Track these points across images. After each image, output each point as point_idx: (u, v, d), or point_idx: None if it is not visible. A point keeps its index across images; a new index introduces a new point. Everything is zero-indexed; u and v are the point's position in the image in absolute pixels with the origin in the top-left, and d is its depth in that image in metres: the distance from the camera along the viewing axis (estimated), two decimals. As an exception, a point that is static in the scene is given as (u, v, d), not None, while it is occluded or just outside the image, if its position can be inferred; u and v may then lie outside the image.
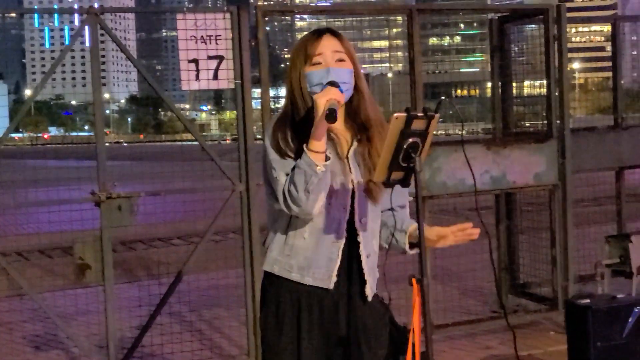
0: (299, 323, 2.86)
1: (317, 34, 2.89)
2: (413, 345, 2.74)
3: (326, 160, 2.71)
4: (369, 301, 2.93)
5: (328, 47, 2.85)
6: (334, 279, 2.85)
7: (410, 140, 2.60)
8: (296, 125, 2.83)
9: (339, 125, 2.87)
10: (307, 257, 2.85)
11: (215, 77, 5.91)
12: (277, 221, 2.90)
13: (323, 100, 2.68)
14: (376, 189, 2.87)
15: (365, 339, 2.91)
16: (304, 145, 2.71)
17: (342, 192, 2.84)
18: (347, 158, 2.88)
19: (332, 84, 2.76)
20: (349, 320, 2.89)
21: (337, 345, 2.89)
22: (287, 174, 2.76)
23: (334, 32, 2.90)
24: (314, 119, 2.72)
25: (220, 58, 5.91)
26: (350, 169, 2.87)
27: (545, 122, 7.13)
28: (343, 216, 2.86)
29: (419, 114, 2.59)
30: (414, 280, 2.71)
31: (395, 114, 2.57)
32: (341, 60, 2.86)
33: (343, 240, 2.86)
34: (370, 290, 2.92)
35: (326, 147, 2.74)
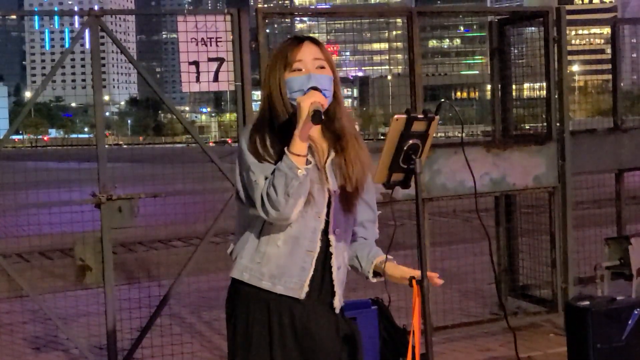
0: (270, 333, 2.82)
1: (298, 40, 2.88)
2: (413, 347, 2.74)
3: (307, 164, 2.70)
4: (336, 313, 2.90)
5: (309, 54, 2.84)
6: (306, 289, 2.82)
7: (411, 141, 2.60)
8: (274, 130, 2.81)
9: (316, 134, 2.86)
10: (280, 266, 2.81)
11: (216, 79, 5.92)
12: (249, 227, 2.85)
13: (307, 103, 2.67)
14: (352, 200, 2.86)
15: (337, 351, 2.88)
16: (285, 148, 2.69)
17: (318, 201, 2.81)
18: (324, 167, 2.85)
19: (315, 89, 2.75)
20: (318, 330, 2.85)
21: (309, 354, 2.85)
22: (267, 178, 2.73)
23: (313, 40, 2.89)
24: (295, 123, 2.72)
25: (220, 60, 5.91)
26: (327, 178, 2.85)
27: (544, 124, 7.14)
28: (318, 225, 2.83)
29: (419, 116, 2.59)
30: (414, 282, 2.71)
31: (396, 116, 2.57)
32: (321, 67, 2.84)
33: (317, 250, 2.83)
34: (338, 302, 2.89)
35: (307, 152, 2.72)
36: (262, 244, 2.82)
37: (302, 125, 2.68)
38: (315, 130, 2.82)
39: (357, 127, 3.00)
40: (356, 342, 2.93)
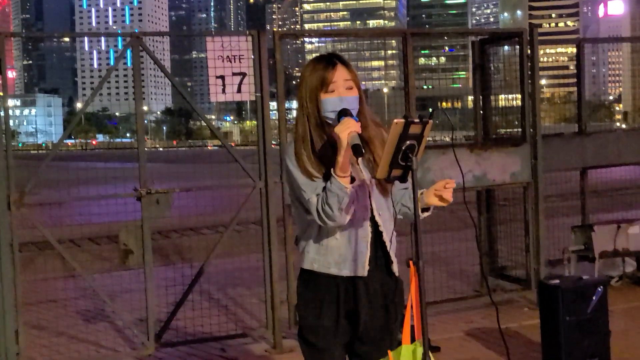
0: (338, 303, 2.88)
1: (331, 63, 2.83)
2: (412, 317, 2.71)
3: (352, 182, 2.71)
4: (396, 276, 2.96)
5: (341, 76, 2.81)
6: (367, 267, 2.86)
7: (408, 142, 2.58)
8: (314, 147, 2.80)
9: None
10: (342, 254, 2.86)
11: (239, 90, 5.89)
12: (310, 227, 2.88)
13: (345, 134, 2.64)
14: (386, 185, 2.87)
15: (392, 303, 2.95)
16: (332, 171, 2.69)
17: (361, 195, 2.84)
18: (358, 164, 2.85)
19: (345, 112, 2.74)
20: (381, 291, 2.92)
21: (373, 312, 2.92)
22: (318, 194, 2.75)
23: (343, 62, 2.85)
24: (333, 141, 2.72)
25: (243, 74, 5.89)
26: (362, 172, 2.86)
27: (519, 129, 7.10)
28: (366, 215, 2.86)
29: (416, 120, 2.57)
30: (411, 263, 2.69)
31: (395, 120, 2.55)
32: (350, 88, 2.82)
33: (369, 235, 2.87)
34: (396, 267, 2.95)
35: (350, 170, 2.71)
36: (323, 239, 2.87)
37: (342, 153, 2.66)
38: None
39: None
40: (401, 297, 2.99)
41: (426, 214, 2.93)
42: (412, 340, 2.74)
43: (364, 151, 2.65)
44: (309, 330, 2.93)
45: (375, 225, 2.89)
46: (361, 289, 2.89)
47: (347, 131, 2.66)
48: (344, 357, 2.99)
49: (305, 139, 2.82)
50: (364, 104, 2.87)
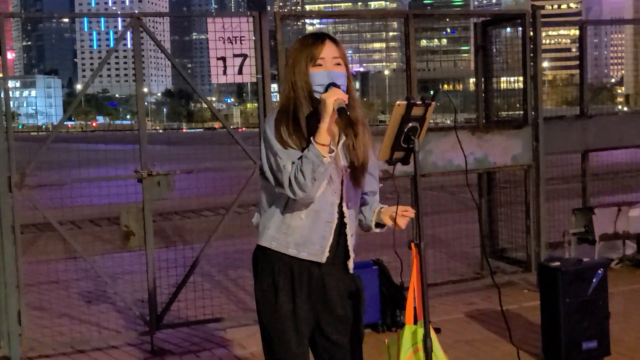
0: (293, 289, 2.83)
1: (320, 38, 2.83)
2: (414, 299, 2.72)
3: (330, 153, 2.68)
4: (350, 273, 2.91)
5: (329, 52, 2.79)
6: (327, 254, 2.82)
7: (410, 124, 2.58)
8: (297, 119, 2.77)
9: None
10: (303, 235, 2.80)
11: (240, 72, 5.88)
12: (275, 203, 2.84)
13: (331, 100, 2.64)
14: (359, 176, 2.84)
15: (345, 303, 2.90)
16: (312, 138, 2.67)
17: (335, 178, 2.79)
18: (337, 148, 2.80)
19: (334, 85, 2.72)
20: (336, 286, 2.88)
21: (323, 308, 2.87)
22: (293, 163, 2.71)
23: (333, 39, 2.85)
24: (317, 114, 2.70)
25: (244, 56, 5.87)
26: (341, 159, 2.83)
27: (520, 112, 7.09)
28: (335, 200, 2.82)
29: (418, 102, 2.57)
30: (412, 245, 2.70)
31: (398, 102, 2.55)
32: (338, 64, 2.81)
33: (335, 221, 2.82)
34: (351, 264, 2.90)
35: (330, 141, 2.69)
36: (287, 217, 2.81)
37: (327, 119, 2.65)
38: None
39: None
40: (360, 296, 2.94)
41: (379, 230, 2.91)
42: (415, 321, 2.75)
43: (347, 114, 2.63)
44: (267, 313, 2.87)
45: (341, 215, 2.85)
46: (315, 278, 2.84)
47: (334, 97, 2.65)
48: (305, 346, 2.90)
49: (288, 110, 2.80)
50: (351, 85, 2.85)
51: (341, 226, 2.84)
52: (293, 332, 2.84)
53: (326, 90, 2.72)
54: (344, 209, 2.84)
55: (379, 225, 2.90)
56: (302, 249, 2.81)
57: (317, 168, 2.64)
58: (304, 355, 2.89)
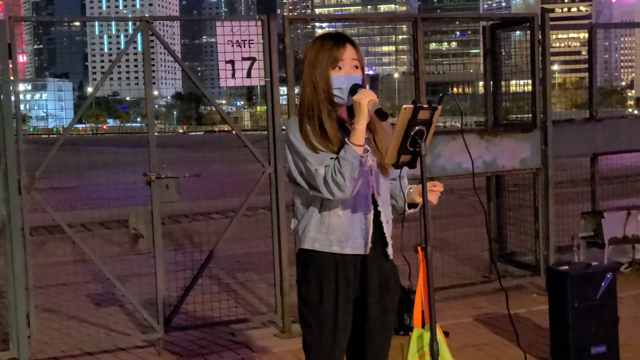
0: (337, 292, 2.86)
1: (340, 42, 2.86)
2: (421, 303, 2.72)
3: (366, 152, 2.73)
4: (390, 259, 2.97)
5: (349, 55, 2.84)
6: (370, 245, 2.86)
7: (417, 128, 2.58)
8: (321, 121, 2.80)
9: (348, 120, 2.87)
10: (344, 232, 2.84)
11: (249, 75, 5.89)
12: (310, 206, 2.87)
13: (365, 101, 2.69)
14: (386, 169, 2.90)
15: (387, 290, 2.96)
16: (346, 139, 2.71)
17: (365, 172, 2.83)
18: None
19: (357, 86, 2.79)
20: (378, 275, 2.93)
21: (370, 293, 2.92)
22: (326, 166, 2.73)
23: (352, 42, 2.89)
24: (339, 116, 2.80)
25: (252, 59, 5.88)
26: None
27: (529, 115, 7.07)
28: (369, 192, 2.87)
29: (425, 106, 2.57)
30: (419, 248, 2.69)
31: (404, 105, 2.55)
32: (356, 67, 2.86)
33: (372, 212, 2.87)
34: (391, 250, 2.95)
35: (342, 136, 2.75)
36: (325, 217, 2.85)
37: (362, 120, 2.70)
38: (346, 116, 2.87)
39: None
40: (397, 282, 3.02)
41: (413, 210, 2.97)
42: (423, 325, 2.75)
43: (386, 115, 2.70)
44: (310, 312, 2.90)
45: (375, 204, 2.90)
46: (359, 268, 2.89)
47: (367, 98, 2.70)
48: (344, 346, 2.94)
49: (311, 114, 2.83)
50: (366, 85, 2.91)
51: (376, 215, 2.90)
52: (335, 330, 2.87)
53: (354, 91, 2.77)
54: (376, 197, 2.89)
55: (412, 205, 2.96)
56: (345, 245, 2.85)
57: (356, 169, 2.69)
58: (337, 356, 2.93)
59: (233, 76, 5.84)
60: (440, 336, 2.70)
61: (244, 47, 5.86)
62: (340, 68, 2.82)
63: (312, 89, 2.84)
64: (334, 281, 2.86)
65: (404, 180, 3.04)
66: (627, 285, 6.87)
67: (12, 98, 5.45)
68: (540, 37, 6.87)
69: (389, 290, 2.96)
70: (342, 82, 2.80)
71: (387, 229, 2.93)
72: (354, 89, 2.78)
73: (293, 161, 2.84)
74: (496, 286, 7.05)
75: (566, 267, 4.96)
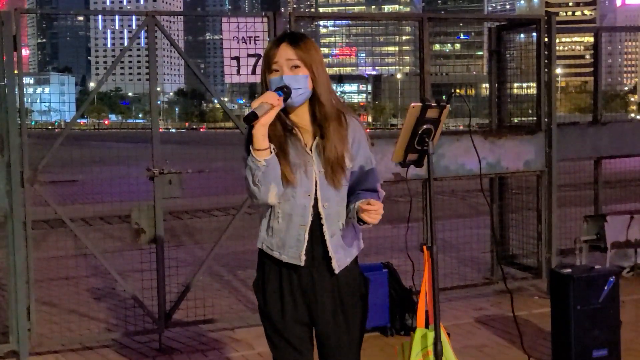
0: (281, 290, 2.82)
1: (276, 43, 2.76)
2: (425, 302, 2.71)
3: (269, 155, 2.64)
4: (336, 274, 2.81)
5: (283, 55, 2.71)
6: (303, 257, 2.77)
7: (425, 126, 2.57)
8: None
9: (305, 122, 2.78)
10: (281, 238, 2.80)
11: (254, 72, 5.88)
12: (263, 206, 2.84)
13: (255, 104, 2.61)
14: (336, 178, 2.76)
15: (341, 307, 2.84)
16: (250, 146, 2.66)
17: (305, 181, 2.74)
18: (311, 150, 2.77)
19: (281, 89, 2.66)
20: (323, 288, 2.82)
21: (317, 309, 2.83)
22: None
23: (291, 40, 2.74)
24: (287, 126, 2.72)
25: (258, 56, 5.86)
26: (313, 160, 2.77)
27: (533, 118, 7.06)
28: (308, 202, 2.76)
29: (433, 104, 2.56)
30: (424, 248, 2.68)
31: (413, 104, 2.54)
32: (296, 66, 2.71)
33: (309, 224, 2.77)
34: (336, 265, 2.80)
35: (284, 141, 2.69)
36: (270, 220, 2.81)
37: (255, 124, 2.61)
38: (304, 118, 2.77)
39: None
40: (354, 298, 2.87)
41: (367, 226, 2.76)
42: (427, 325, 2.74)
43: (255, 119, 2.57)
44: (261, 315, 2.89)
45: (318, 216, 2.78)
46: (305, 279, 2.81)
47: (256, 102, 2.61)
48: (306, 343, 2.87)
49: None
50: (322, 86, 2.75)
51: (320, 228, 2.78)
52: (281, 336, 2.83)
53: (287, 94, 2.68)
54: (320, 209, 2.77)
55: (361, 220, 2.76)
56: (282, 252, 2.80)
57: (255, 172, 2.64)
58: (301, 355, 2.85)
59: (238, 72, 5.83)
60: (444, 336, 2.69)
61: (250, 43, 5.85)
62: (276, 70, 2.72)
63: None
64: (278, 287, 2.83)
65: (375, 194, 2.83)
66: (629, 289, 6.86)
67: (16, 91, 5.43)
68: (546, 39, 6.85)
69: (344, 309, 2.84)
70: (277, 83, 2.70)
71: (333, 242, 2.79)
72: (277, 91, 2.66)
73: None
74: (497, 288, 7.04)
75: (569, 270, 4.95)
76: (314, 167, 2.75)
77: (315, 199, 2.76)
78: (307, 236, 2.76)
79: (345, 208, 2.82)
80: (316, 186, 2.75)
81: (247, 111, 2.63)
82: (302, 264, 2.78)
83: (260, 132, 2.62)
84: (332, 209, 2.78)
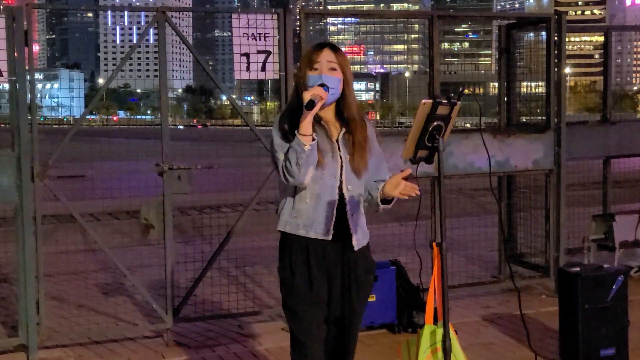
0: (309, 264, 3.09)
1: (320, 47, 3.15)
2: (434, 299, 2.71)
3: (312, 141, 2.94)
4: (356, 250, 3.12)
5: (325, 57, 3.10)
6: (332, 232, 3.07)
7: (435, 123, 2.57)
8: (299, 116, 3.02)
9: (330, 117, 3.16)
10: (310, 217, 3.09)
11: (263, 69, 5.88)
12: (285, 192, 3.14)
13: (308, 95, 2.93)
14: (359, 168, 3.11)
15: (356, 282, 3.15)
16: (295, 130, 2.96)
17: (332, 165, 3.08)
18: (337, 140, 3.13)
19: (322, 85, 3.01)
20: (343, 262, 3.12)
21: (336, 280, 3.12)
22: (285, 153, 3.02)
23: (332, 47, 3.15)
24: (319, 117, 3.07)
25: (267, 53, 5.87)
26: (339, 147, 3.12)
27: (543, 117, 7.04)
28: (334, 183, 3.08)
29: (444, 101, 2.56)
30: (434, 244, 2.68)
31: (423, 100, 2.55)
32: (333, 69, 3.09)
33: (336, 202, 3.08)
34: (356, 242, 3.12)
35: (314, 131, 2.97)
36: (295, 203, 3.11)
37: (305, 113, 2.93)
38: (330, 114, 3.14)
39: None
40: (367, 277, 3.20)
41: (387, 207, 3.13)
42: (435, 321, 2.74)
43: (313, 107, 2.89)
44: (287, 291, 3.15)
45: (342, 197, 3.10)
46: (329, 254, 3.10)
47: (309, 93, 2.93)
48: (321, 322, 3.14)
49: (291, 108, 3.10)
50: (349, 89, 3.14)
51: (343, 207, 3.10)
52: (312, 308, 3.09)
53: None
54: (344, 190, 3.10)
55: (385, 201, 3.11)
56: (310, 229, 3.09)
57: (299, 155, 2.93)
58: (320, 337, 3.12)
59: (248, 69, 5.83)
60: (452, 333, 2.69)
61: (259, 40, 5.85)
62: (316, 69, 3.09)
63: (294, 89, 3.17)
64: (306, 261, 3.10)
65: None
66: (638, 289, 6.83)
67: (26, 86, 5.45)
68: (555, 38, 6.83)
69: (357, 282, 3.15)
70: (316, 80, 3.06)
71: (353, 221, 3.12)
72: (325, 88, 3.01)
73: (271, 152, 3.13)
74: (505, 286, 7.03)
75: (577, 269, 4.94)
76: (340, 153, 3.10)
77: (340, 182, 3.10)
78: (334, 213, 3.08)
79: (362, 196, 3.17)
80: (341, 170, 3.10)
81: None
82: (330, 238, 3.08)
83: (309, 119, 2.94)
84: (355, 192, 3.13)
